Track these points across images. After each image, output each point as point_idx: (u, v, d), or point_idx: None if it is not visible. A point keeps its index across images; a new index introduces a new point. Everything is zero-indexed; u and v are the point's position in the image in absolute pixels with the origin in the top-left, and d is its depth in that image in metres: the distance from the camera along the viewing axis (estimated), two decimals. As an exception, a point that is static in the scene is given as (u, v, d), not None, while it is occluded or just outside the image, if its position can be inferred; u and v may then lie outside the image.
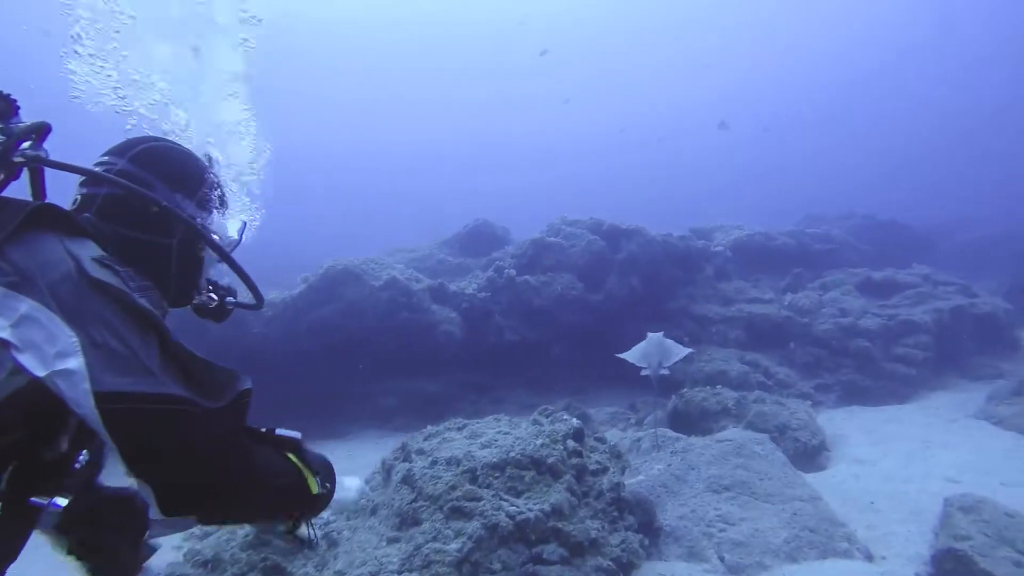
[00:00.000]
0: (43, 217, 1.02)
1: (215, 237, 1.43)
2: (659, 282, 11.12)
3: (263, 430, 1.16)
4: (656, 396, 8.51)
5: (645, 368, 7.57)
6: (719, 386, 8.46)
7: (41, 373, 0.89)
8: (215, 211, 1.45)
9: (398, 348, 10.25)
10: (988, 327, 11.13)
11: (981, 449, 7.01)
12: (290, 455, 1.17)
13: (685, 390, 8.37)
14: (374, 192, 57.79)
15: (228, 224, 1.51)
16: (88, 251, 1.03)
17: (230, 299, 1.52)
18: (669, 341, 7.86)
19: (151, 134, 1.45)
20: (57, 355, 0.89)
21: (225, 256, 1.42)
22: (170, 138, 1.47)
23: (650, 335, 7.97)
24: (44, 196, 1.22)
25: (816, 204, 25.42)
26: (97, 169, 1.28)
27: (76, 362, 0.89)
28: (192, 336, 9.76)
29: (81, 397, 0.89)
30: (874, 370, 10.11)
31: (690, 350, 8.04)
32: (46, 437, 1.03)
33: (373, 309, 10.04)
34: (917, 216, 23.19)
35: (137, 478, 0.93)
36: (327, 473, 1.27)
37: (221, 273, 1.52)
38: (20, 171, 1.12)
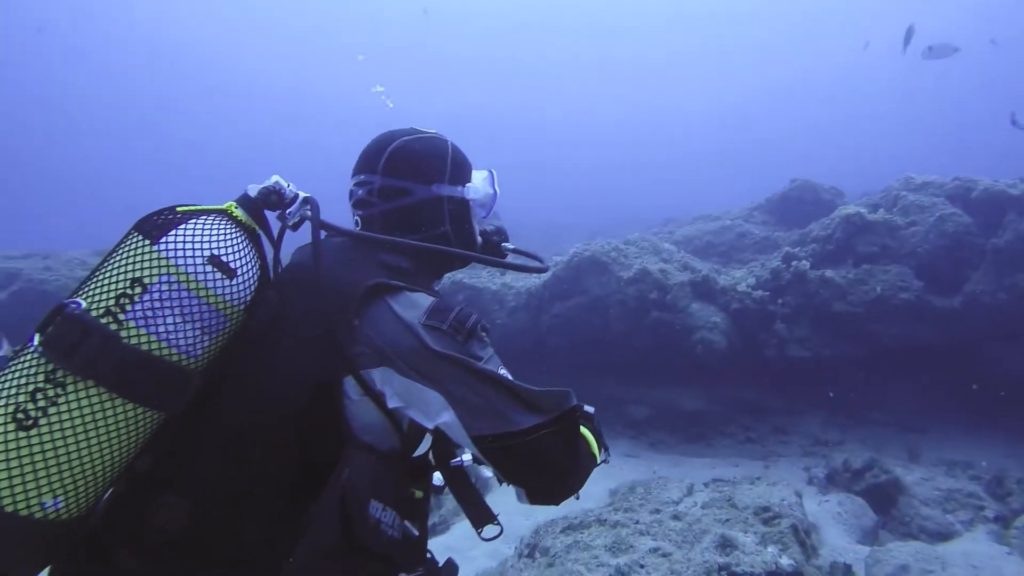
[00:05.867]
0: (376, 290, 1.21)
1: (472, 202, 1.51)
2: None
3: (586, 409, 1.30)
4: None
5: None
6: None
7: (430, 425, 1.17)
8: (467, 179, 1.50)
9: (649, 353, 8.56)
10: None
11: None
12: (586, 429, 1.30)
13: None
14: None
15: (479, 181, 1.52)
16: (414, 312, 1.20)
17: (505, 245, 1.59)
18: None
19: (388, 131, 1.48)
20: (435, 412, 1.15)
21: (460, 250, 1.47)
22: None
23: None
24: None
25: None
26: (359, 215, 1.44)
27: (449, 415, 1.13)
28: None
29: (463, 440, 1.14)
30: None
31: None
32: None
33: (619, 306, 8.49)
34: None
35: (510, 484, 1.18)
36: (603, 443, 1.38)
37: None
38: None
